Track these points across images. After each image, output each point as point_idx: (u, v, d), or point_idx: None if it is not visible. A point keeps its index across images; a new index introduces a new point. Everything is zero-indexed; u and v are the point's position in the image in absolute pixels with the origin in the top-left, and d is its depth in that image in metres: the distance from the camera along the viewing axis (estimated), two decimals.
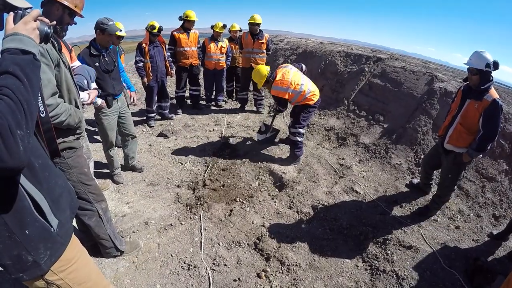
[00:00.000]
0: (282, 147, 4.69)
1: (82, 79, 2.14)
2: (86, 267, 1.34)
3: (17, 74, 0.89)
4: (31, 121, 0.89)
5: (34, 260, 1.07)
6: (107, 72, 3.14)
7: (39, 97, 1.21)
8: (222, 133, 5.20)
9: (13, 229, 1.00)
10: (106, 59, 3.14)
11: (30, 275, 1.09)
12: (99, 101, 2.96)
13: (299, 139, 4.09)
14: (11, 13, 1.03)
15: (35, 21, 1.04)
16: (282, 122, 5.65)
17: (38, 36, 1.05)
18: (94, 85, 2.41)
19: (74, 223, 2.24)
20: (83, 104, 2.24)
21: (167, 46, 5.29)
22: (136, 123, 4.95)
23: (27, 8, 1.07)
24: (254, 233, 2.93)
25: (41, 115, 1.26)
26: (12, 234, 1.01)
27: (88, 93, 2.22)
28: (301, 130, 4.10)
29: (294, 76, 3.92)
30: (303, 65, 4.40)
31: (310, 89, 3.99)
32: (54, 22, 1.24)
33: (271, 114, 4.67)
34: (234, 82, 6.97)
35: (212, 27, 5.83)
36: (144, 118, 5.59)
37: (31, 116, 0.89)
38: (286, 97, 3.92)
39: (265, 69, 4.04)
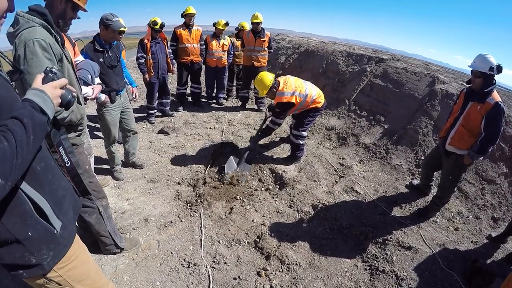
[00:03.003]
0: (283, 146, 4.69)
1: (86, 74, 2.13)
2: (86, 264, 1.34)
3: (27, 129, 0.90)
4: (16, 175, 0.89)
5: (37, 261, 1.07)
6: (111, 68, 3.14)
7: (62, 149, 1.25)
8: (223, 131, 5.20)
9: (14, 233, 1.00)
10: (110, 54, 3.13)
11: (30, 273, 1.09)
12: (103, 96, 2.96)
13: (301, 142, 4.07)
14: (42, 73, 1.08)
15: (61, 88, 1.09)
16: (283, 121, 5.58)
17: (58, 103, 1.09)
18: (97, 80, 2.40)
19: None
20: (87, 99, 2.23)
21: (169, 43, 5.27)
22: (136, 120, 4.91)
23: (55, 72, 1.11)
24: (254, 232, 2.94)
25: (66, 165, 1.28)
26: (13, 237, 1.00)
27: (92, 88, 2.21)
28: (304, 134, 4.08)
29: (296, 81, 3.88)
30: None
31: (316, 91, 3.94)
32: (78, 92, 1.28)
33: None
34: (235, 81, 6.96)
35: (214, 24, 5.81)
36: (145, 114, 5.57)
37: (19, 171, 0.89)
38: (293, 101, 3.74)
39: (268, 77, 3.79)
